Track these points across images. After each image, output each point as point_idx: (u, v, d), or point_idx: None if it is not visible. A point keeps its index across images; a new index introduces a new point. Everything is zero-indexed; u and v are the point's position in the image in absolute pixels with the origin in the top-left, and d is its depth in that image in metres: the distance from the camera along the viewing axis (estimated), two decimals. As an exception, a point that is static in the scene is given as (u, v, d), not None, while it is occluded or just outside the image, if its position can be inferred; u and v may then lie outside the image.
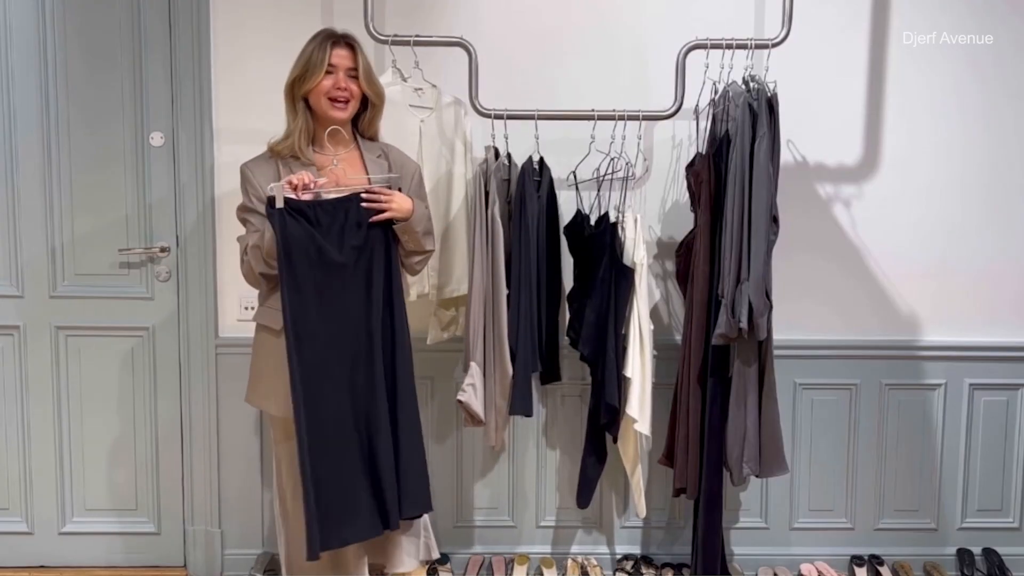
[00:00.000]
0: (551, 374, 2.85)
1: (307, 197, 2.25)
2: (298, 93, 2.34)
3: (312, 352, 2.28)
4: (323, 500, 2.28)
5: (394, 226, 2.35)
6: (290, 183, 2.22)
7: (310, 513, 2.25)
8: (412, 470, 2.38)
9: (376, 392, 2.33)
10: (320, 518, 2.26)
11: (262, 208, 2.29)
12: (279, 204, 2.22)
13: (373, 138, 2.49)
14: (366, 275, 2.32)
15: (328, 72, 2.32)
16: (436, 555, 2.58)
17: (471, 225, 2.66)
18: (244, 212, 2.38)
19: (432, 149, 2.71)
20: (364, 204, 2.30)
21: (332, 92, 2.32)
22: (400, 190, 2.37)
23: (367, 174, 2.39)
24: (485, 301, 2.62)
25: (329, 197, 2.29)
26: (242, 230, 2.41)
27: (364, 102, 2.41)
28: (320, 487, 2.27)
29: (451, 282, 2.75)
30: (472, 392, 2.62)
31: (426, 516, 2.50)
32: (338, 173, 2.36)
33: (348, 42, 2.36)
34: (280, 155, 2.36)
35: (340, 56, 2.33)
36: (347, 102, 2.34)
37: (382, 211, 2.31)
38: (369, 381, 2.33)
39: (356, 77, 2.34)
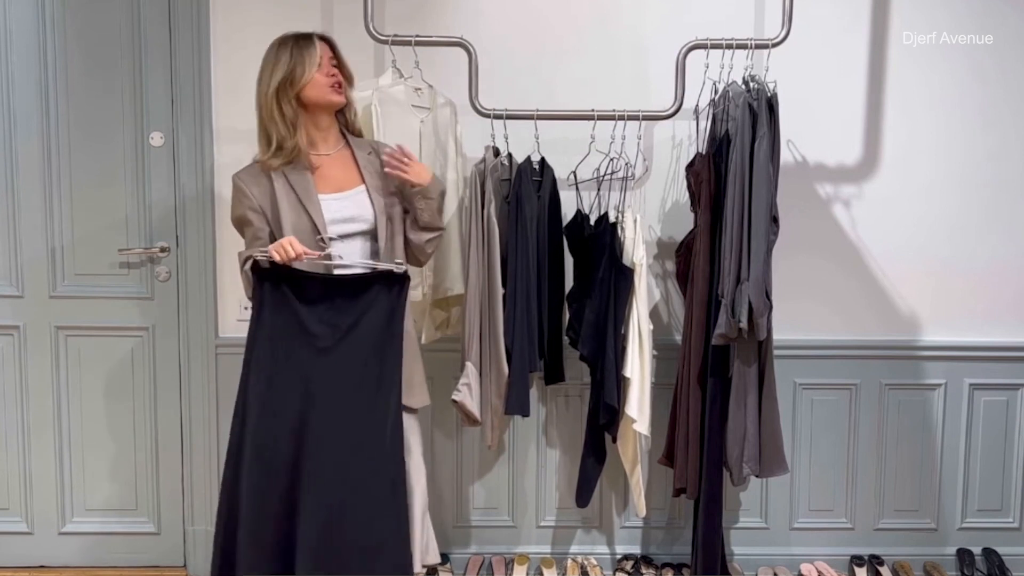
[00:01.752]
0: (555, 375, 2.85)
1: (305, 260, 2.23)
2: (291, 95, 2.31)
3: (268, 412, 2.28)
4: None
5: (413, 190, 2.34)
6: (278, 252, 2.19)
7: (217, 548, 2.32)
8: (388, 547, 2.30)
9: (347, 478, 2.25)
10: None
11: (257, 220, 2.31)
12: (263, 263, 2.22)
13: (359, 135, 2.49)
14: (350, 358, 2.26)
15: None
16: (437, 559, 2.53)
17: (467, 225, 2.66)
18: (240, 224, 2.37)
19: (429, 150, 2.71)
20: (386, 169, 2.32)
21: (329, 80, 2.33)
22: (405, 276, 2.31)
23: (360, 172, 2.38)
24: (481, 300, 2.62)
25: (320, 272, 2.28)
26: (240, 241, 2.42)
27: None
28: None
29: (445, 282, 2.75)
30: (467, 392, 2.62)
31: (428, 516, 2.48)
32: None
33: (319, 36, 2.37)
34: (272, 168, 2.33)
35: (321, 47, 2.35)
36: (341, 85, 2.36)
37: (402, 174, 2.32)
38: (340, 463, 2.25)
39: (338, 65, 2.37)
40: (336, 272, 2.30)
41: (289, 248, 2.18)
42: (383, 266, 2.30)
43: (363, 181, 2.38)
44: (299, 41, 2.34)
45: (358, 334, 2.27)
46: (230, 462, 2.33)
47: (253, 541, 2.26)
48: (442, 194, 2.45)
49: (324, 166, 2.38)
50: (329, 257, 2.29)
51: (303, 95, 2.33)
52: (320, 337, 2.26)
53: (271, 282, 2.25)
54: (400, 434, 2.32)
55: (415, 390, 2.43)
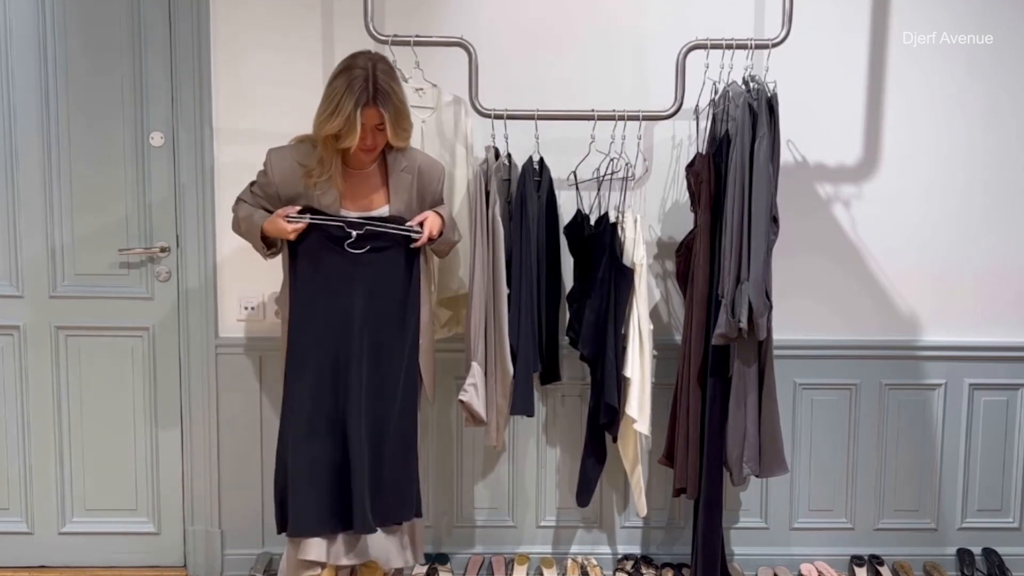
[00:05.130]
0: (551, 374, 2.85)
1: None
2: (329, 141, 2.34)
3: (309, 351, 2.43)
4: (295, 489, 2.44)
5: (431, 246, 2.47)
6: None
7: (277, 494, 2.48)
8: (397, 476, 2.50)
9: (380, 394, 2.45)
10: (285, 502, 2.45)
11: (262, 199, 2.47)
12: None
13: (401, 148, 2.47)
14: (379, 280, 2.43)
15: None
16: (413, 561, 2.65)
17: (472, 225, 2.66)
18: (251, 187, 2.50)
19: (433, 150, 2.71)
20: (413, 247, 2.42)
21: (363, 146, 2.34)
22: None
23: (388, 192, 2.45)
24: (486, 301, 2.62)
25: (342, 217, 2.41)
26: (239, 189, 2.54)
27: None
28: (294, 476, 2.44)
29: (452, 281, 2.75)
30: (474, 392, 2.62)
31: (417, 522, 2.60)
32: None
33: (378, 99, 2.29)
34: (312, 178, 2.39)
35: (369, 116, 2.30)
36: (374, 150, 2.39)
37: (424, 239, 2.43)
38: (376, 385, 2.45)
39: (384, 128, 2.33)
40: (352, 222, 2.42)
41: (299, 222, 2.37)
42: (399, 230, 2.42)
43: (388, 201, 2.45)
44: (357, 102, 2.27)
45: (379, 253, 2.41)
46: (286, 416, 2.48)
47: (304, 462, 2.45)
48: (451, 220, 2.55)
49: (355, 182, 2.43)
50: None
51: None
52: (356, 257, 2.39)
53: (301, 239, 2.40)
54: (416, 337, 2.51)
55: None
